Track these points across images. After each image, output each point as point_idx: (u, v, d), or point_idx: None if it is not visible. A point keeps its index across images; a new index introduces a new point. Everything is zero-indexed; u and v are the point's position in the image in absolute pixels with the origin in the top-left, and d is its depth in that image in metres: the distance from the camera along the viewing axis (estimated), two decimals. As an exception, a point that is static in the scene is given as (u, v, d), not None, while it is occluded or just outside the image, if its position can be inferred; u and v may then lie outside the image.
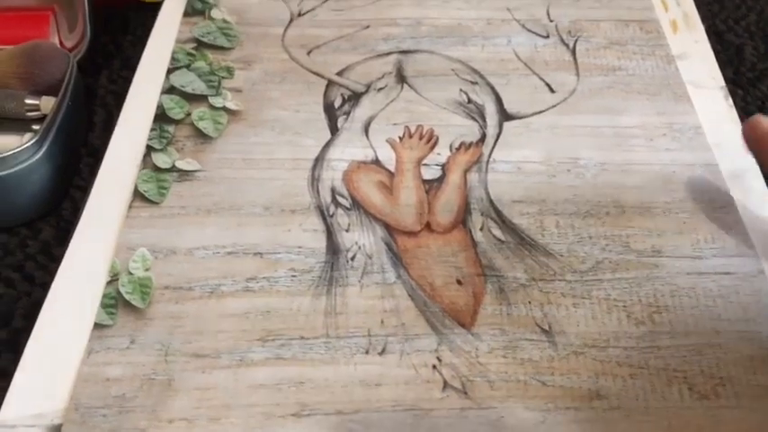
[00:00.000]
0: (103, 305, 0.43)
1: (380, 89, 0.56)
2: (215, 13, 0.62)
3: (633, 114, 0.54)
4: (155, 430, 0.38)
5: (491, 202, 0.49)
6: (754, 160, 0.48)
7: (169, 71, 0.57)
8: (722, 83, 0.57)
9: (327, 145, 0.52)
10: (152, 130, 0.53)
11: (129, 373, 0.40)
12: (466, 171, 0.51)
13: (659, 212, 0.48)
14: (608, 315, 0.43)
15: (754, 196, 0.49)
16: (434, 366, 0.41)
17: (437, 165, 0.51)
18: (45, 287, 0.45)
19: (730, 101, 0.55)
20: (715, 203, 0.48)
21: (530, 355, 0.41)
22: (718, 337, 0.42)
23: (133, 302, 0.43)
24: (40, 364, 0.41)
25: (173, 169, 0.50)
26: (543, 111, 0.55)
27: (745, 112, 0.60)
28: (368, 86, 0.56)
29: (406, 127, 0.53)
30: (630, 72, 0.57)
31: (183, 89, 0.55)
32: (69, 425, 0.38)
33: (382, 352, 0.41)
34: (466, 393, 0.40)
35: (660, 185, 0.50)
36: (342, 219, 0.48)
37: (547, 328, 0.42)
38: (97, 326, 0.42)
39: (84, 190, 0.51)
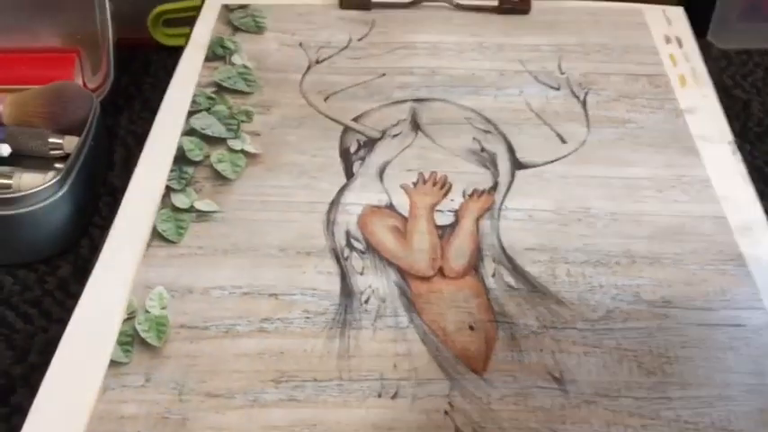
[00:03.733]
0: (119, 343, 0.43)
1: (395, 136, 0.57)
2: (235, 59, 0.64)
3: (643, 166, 0.55)
4: (168, 469, 0.38)
5: (503, 249, 0.50)
6: (762, 212, 0.49)
7: (190, 114, 0.58)
8: (730, 137, 0.58)
9: (343, 189, 0.53)
10: (172, 170, 0.54)
11: (144, 411, 0.41)
12: (478, 218, 0.51)
13: (669, 263, 0.49)
14: (619, 365, 0.43)
15: (762, 249, 0.50)
16: (446, 412, 0.41)
17: (450, 211, 0.52)
18: (62, 323, 0.45)
19: (738, 155, 0.56)
20: (724, 256, 0.49)
21: (541, 403, 0.42)
22: (729, 389, 0.42)
23: (149, 341, 0.44)
24: (55, 401, 0.41)
25: (191, 210, 0.51)
26: (555, 160, 0.56)
27: (752, 166, 0.62)
28: (383, 133, 0.57)
29: (420, 173, 0.54)
30: (640, 125, 0.59)
31: (202, 131, 0.57)
32: (83, 462, 0.38)
33: (394, 396, 0.42)
34: (478, 440, 0.40)
35: (670, 236, 0.50)
36: (356, 262, 0.48)
37: (558, 375, 0.43)
38: (113, 363, 0.43)
39: (103, 228, 0.52)
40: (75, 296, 0.47)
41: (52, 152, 0.55)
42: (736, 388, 0.42)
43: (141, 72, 0.70)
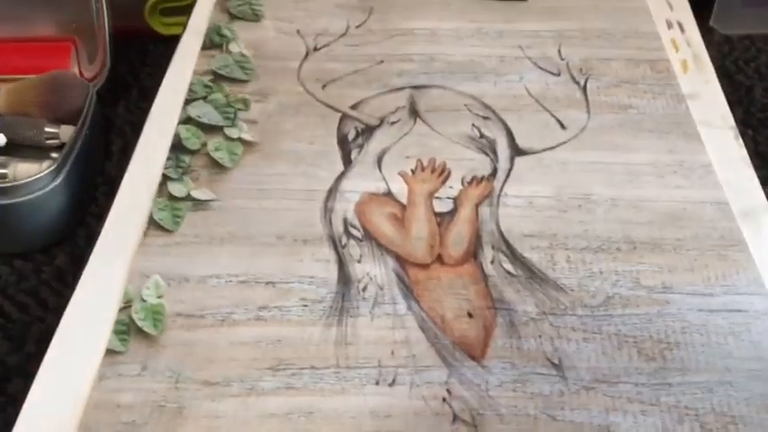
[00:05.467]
0: (116, 331, 0.43)
1: (394, 123, 0.57)
2: (232, 47, 0.63)
3: (644, 152, 0.55)
4: (164, 457, 0.38)
5: (502, 235, 0.49)
6: (764, 198, 0.48)
7: (186, 102, 0.58)
8: (732, 122, 0.57)
9: (340, 177, 0.53)
10: (168, 159, 0.53)
11: (140, 399, 0.40)
12: (477, 205, 0.51)
13: (670, 249, 0.48)
14: (618, 351, 0.43)
15: (764, 234, 0.49)
16: (444, 399, 0.41)
17: (449, 198, 0.51)
18: (58, 313, 0.45)
19: (740, 140, 0.56)
20: (726, 241, 0.49)
21: (540, 390, 0.41)
22: (730, 374, 0.42)
23: (145, 329, 0.43)
24: (51, 390, 0.41)
25: (188, 198, 0.51)
26: (554, 147, 0.55)
27: (755, 151, 0.61)
28: (381, 120, 0.57)
29: (419, 160, 0.54)
30: (641, 111, 0.58)
31: (199, 120, 0.56)
32: (79, 450, 0.38)
33: (392, 383, 0.41)
34: (475, 427, 0.40)
35: (671, 222, 0.50)
36: (354, 250, 0.48)
37: (557, 362, 0.42)
38: (109, 352, 0.42)
39: (100, 217, 0.52)
40: (71, 285, 0.47)
41: (48, 141, 0.54)
42: (736, 374, 0.42)
43: (138, 61, 0.70)
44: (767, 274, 0.47)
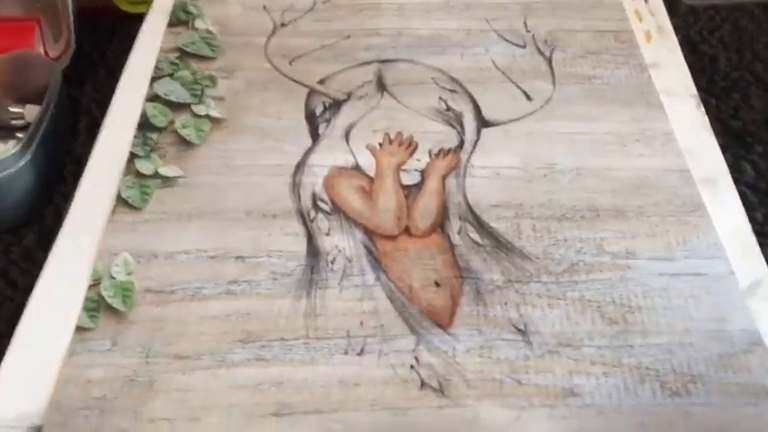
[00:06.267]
0: (85, 308, 0.43)
1: (361, 97, 0.57)
2: (198, 24, 0.63)
3: (608, 121, 0.55)
4: (136, 430, 0.39)
5: (469, 206, 0.50)
6: (725, 164, 0.49)
7: (153, 80, 0.57)
8: (694, 91, 0.58)
9: (309, 151, 0.53)
10: (135, 137, 0.53)
11: (111, 374, 0.41)
12: (444, 176, 0.52)
13: (632, 216, 0.49)
14: (582, 315, 0.44)
15: (724, 199, 0.50)
16: (412, 366, 0.41)
17: (416, 170, 0.52)
18: (28, 292, 0.45)
19: (702, 108, 0.57)
20: (687, 207, 0.50)
21: (506, 355, 0.42)
22: (690, 335, 0.43)
23: (115, 306, 0.44)
24: (21, 367, 0.41)
25: (155, 176, 0.51)
26: (520, 118, 0.56)
27: (718, 120, 0.62)
28: (349, 95, 0.57)
29: (386, 134, 0.54)
30: (605, 81, 0.59)
31: (166, 97, 0.56)
32: (50, 426, 0.38)
33: (361, 353, 0.42)
34: (443, 392, 0.40)
35: (633, 190, 0.51)
36: (322, 223, 0.49)
37: (522, 328, 0.43)
38: (79, 329, 0.43)
39: (68, 197, 0.51)
40: (40, 265, 0.47)
41: (13, 122, 0.54)
42: (696, 335, 0.43)
43: (105, 40, 0.69)
44: (726, 238, 0.48)
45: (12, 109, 0.54)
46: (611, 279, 0.46)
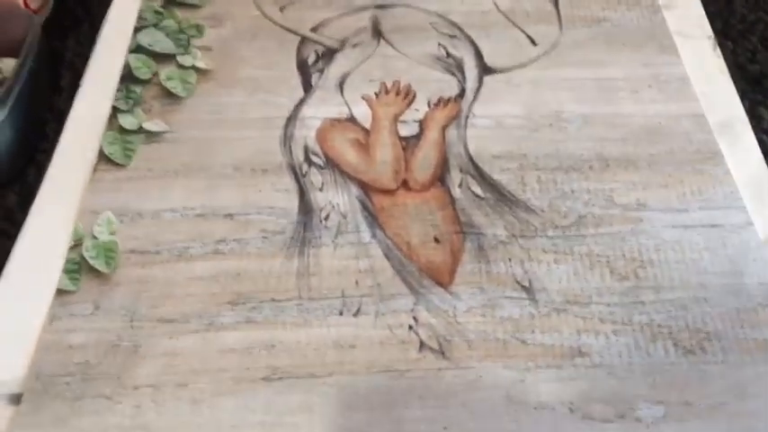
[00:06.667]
0: (66, 271, 0.41)
1: (356, 45, 0.54)
2: (184, -30, 0.59)
3: (618, 66, 0.52)
4: (120, 397, 0.37)
5: (470, 158, 0.47)
6: (742, 110, 0.46)
7: (136, 30, 0.54)
8: (710, 32, 0.55)
9: (301, 103, 0.50)
10: (118, 90, 0.51)
11: (93, 339, 0.39)
12: (444, 127, 0.49)
13: (644, 165, 0.46)
14: (590, 271, 0.41)
15: (742, 146, 0.47)
16: (411, 327, 0.39)
17: (415, 121, 0.49)
18: (8, 254, 0.43)
19: (718, 51, 0.53)
20: (702, 155, 0.47)
21: (509, 314, 0.40)
22: (705, 290, 0.41)
23: (97, 267, 0.41)
24: (0, 333, 0.39)
25: (140, 131, 0.48)
26: (525, 64, 0.53)
27: (735, 63, 0.59)
28: (343, 42, 0.54)
29: (383, 83, 0.51)
30: (615, 23, 0.55)
31: (150, 48, 0.53)
32: (30, 394, 0.37)
33: (357, 313, 0.40)
34: (443, 353, 0.38)
35: (645, 138, 0.48)
36: (315, 178, 0.46)
37: (527, 285, 0.41)
38: (60, 292, 0.41)
39: (51, 155, 0.49)
40: (21, 226, 0.44)
41: (-10, 76, 0.51)
42: (711, 289, 0.41)
43: (89, -8, 0.66)
44: (744, 187, 0.45)
45: (-12, 63, 0.51)
46: (622, 232, 0.43)
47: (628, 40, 0.54)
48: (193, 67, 0.52)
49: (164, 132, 0.48)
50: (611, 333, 0.39)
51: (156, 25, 0.55)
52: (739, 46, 0.62)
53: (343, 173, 0.46)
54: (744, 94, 0.52)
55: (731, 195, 0.45)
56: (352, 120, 0.49)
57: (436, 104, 0.50)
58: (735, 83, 0.52)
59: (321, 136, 0.48)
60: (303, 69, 0.52)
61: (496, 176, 0.46)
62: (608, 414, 0.36)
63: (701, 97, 0.50)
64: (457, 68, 0.52)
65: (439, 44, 0.54)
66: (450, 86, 0.51)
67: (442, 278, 0.41)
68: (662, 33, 0.54)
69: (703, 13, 0.56)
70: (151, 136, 0.48)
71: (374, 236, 0.43)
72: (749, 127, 0.49)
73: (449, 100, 0.50)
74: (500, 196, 0.45)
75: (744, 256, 0.42)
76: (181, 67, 0.52)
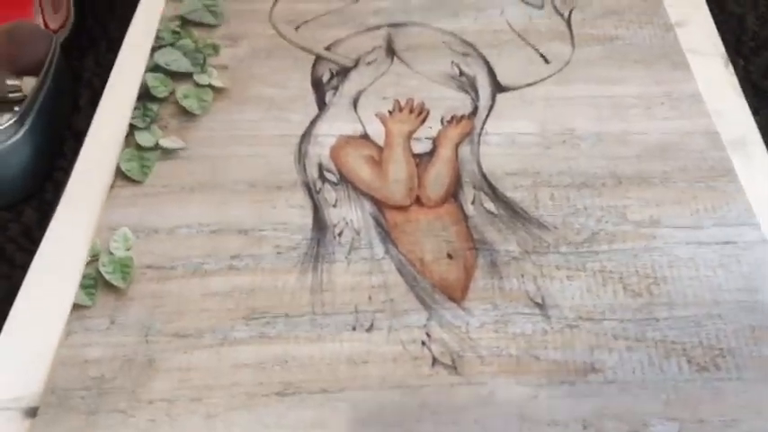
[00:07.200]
0: (83, 286, 0.42)
1: (370, 63, 0.55)
2: (201, -9, 0.60)
3: (630, 84, 0.52)
4: (134, 411, 0.37)
5: (483, 175, 0.47)
6: (755, 126, 0.46)
7: (153, 49, 0.55)
8: (722, 49, 0.55)
9: (315, 120, 0.51)
10: (135, 108, 0.51)
11: (109, 354, 0.39)
12: (457, 144, 0.49)
13: (657, 182, 0.46)
14: (603, 287, 0.41)
15: (755, 163, 0.47)
16: (423, 342, 0.39)
17: (428, 138, 0.50)
18: (25, 270, 0.43)
19: (731, 68, 0.53)
20: (715, 171, 0.47)
21: (522, 330, 0.40)
22: (719, 307, 0.40)
23: (114, 282, 0.42)
24: (17, 347, 0.40)
25: (156, 148, 0.49)
26: (537, 82, 0.53)
27: (747, 81, 0.59)
28: (357, 61, 0.55)
29: (396, 101, 0.52)
30: (627, 41, 0.56)
31: (167, 67, 0.54)
32: (46, 407, 0.37)
33: (370, 329, 0.40)
34: (456, 369, 0.38)
35: (658, 155, 0.48)
36: (329, 194, 0.46)
37: (540, 301, 0.41)
38: (76, 307, 0.41)
39: (68, 172, 0.50)
40: (38, 242, 0.45)
41: (11, 95, 0.52)
42: (725, 306, 0.40)
43: (107, 12, 0.67)
44: (758, 203, 0.45)
45: (8, 81, 0.52)
46: (635, 249, 0.43)
47: (640, 58, 0.54)
48: (209, 86, 0.53)
49: (180, 149, 0.49)
50: (624, 349, 0.39)
51: (173, 45, 0.56)
52: (751, 63, 0.62)
53: (356, 189, 0.47)
54: (757, 111, 0.52)
55: (745, 212, 0.45)
56: (365, 137, 0.50)
57: (449, 122, 0.50)
58: (747, 99, 0.52)
59: (335, 153, 0.49)
60: (317, 87, 0.53)
61: (509, 193, 0.46)
62: (621, 431, 0.36)
63: (713, 114, 0.50)
64: (470, 86, 0.53)
65: (452, 62, 0.54)
66: (463, 104, 0.52)
67: (455, 294, 0.41)
68: (674, 51, 0.55)
69: (715, 30, 0.56)
70: (167, 153, 0.49)
71: (387, 252, 0.43)
72: (762, 144, 0.49)
73: (462, 117, 0.51)
74: (513, 213, 0.45)
75: (758, 273, 0.42)
76: (197, 85, 0.53)
